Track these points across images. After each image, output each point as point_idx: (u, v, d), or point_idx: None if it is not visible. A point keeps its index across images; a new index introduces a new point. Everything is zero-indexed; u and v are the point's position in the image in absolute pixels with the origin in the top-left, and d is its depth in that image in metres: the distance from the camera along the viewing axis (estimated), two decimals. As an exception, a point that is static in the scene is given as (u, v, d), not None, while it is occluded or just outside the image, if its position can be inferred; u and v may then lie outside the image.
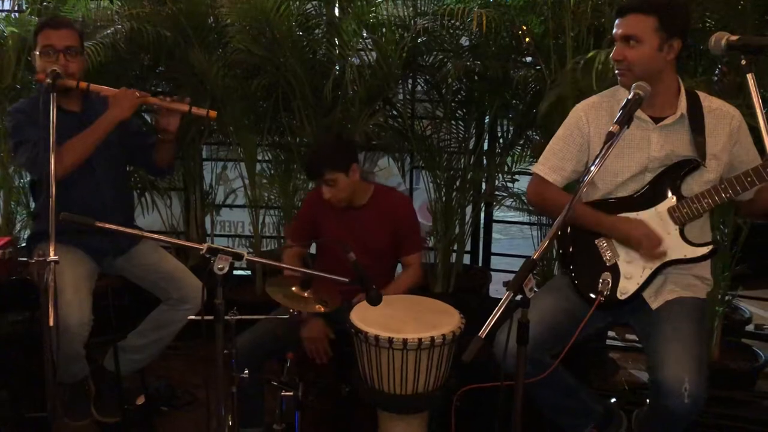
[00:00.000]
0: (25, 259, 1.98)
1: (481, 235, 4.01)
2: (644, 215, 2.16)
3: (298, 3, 3.35)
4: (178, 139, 2.74)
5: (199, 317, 1.86)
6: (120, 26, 3.24)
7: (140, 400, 2.80)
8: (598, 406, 2.37)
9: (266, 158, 3.76)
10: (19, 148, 2.44)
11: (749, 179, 2.00)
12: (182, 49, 3.43)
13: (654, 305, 2.17)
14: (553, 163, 2.26)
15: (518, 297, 1.57)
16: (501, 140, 3.62)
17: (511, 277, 1.59)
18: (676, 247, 2.13)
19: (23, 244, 3.10)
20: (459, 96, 3.50)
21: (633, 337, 3.32)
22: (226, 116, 3.49)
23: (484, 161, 3.65)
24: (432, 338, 2.08)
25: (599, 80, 2.42)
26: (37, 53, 2.46)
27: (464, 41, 3.40)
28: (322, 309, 2.09)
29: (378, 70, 3.22)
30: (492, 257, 4.05)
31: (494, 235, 4.08)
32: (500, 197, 3.60)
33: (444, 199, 3.55)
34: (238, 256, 1.79)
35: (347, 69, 3.15)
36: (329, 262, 2.58)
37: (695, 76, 2.75)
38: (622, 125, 1.75)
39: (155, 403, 2.88)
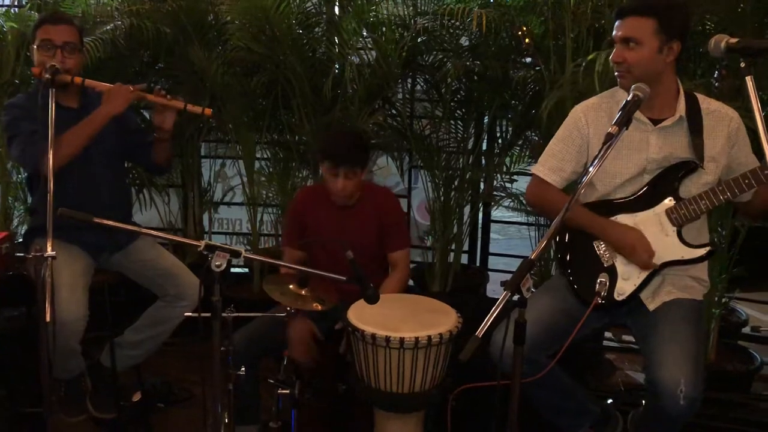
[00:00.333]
0: (22, 254, 1.97)
1: (479, 235, 4.01)
2: (642, 216, 2.16)
3: (298, 1, 3.35)
4: (174, 137, 2.74)
5: (196, 314, 1.86)
6: (120, 22, 3.24)
7: (136, 397, 2.79)
8: (595, 407, 2.37)
9: (265, 156, 3.75)
10: (13, 142, 2.44)
11: (747, 181, 2.01)
12: (182, 46, 3.43)
13: (651, 306, 2.17)
14: (552, 164, 2.26)
15: (516, 297, 1.57)
16: (500, 140, 3.62)
17: (508, 277, 1.60)
18: (673, 249, 2.13)
19: (20, 240, 3.10)
20: (458, 96, 3.50)
21: (629, 338, 3.32)
22: (226, 114, 3.49)
23: (483, 161, 3.65)
24: (429, 337, 2.08)
25: (599, 82, 2.42)
26: (35, 47, 2.46)
27: (464, 41, 3.40)
28: (320, 307, 2.09)
29: (377, 69, 3.22)
30: (490, 257, 4.05)
31: (492, 235, 4.08)
32: (498, 197, 3.60)
33: (442, 198, 3.55)
34: (235, 254, 1.79)
35: (347, 67, 3.15)
36: (323, 260, 2.58)
37: (694, 78, 2.75)
38: (621, 126, 1.75)
39: (151, 400, 2.88)
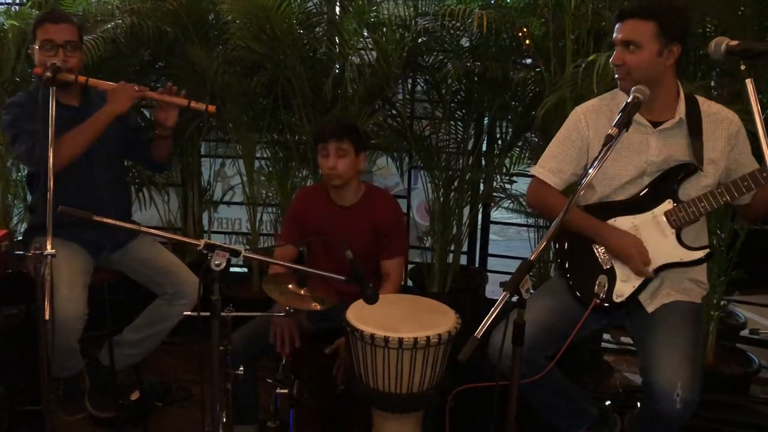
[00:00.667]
0: (22, 252, 1.98)
1: (479, 235, 4.01)
2: (641, 218, 2.16)
3: (299, 1, 3.35)
4: (175, 135, 2.74)
5: (195, 313, 1.86)
6: (120, 21, 3.23)
7: (135, 395, 2.80)
8: (593, 408, 2.38)
9: (265, 155, 3.75)
10: (17, 141, 2.43)
11: (746, 183, 2.01)
12: (182, 45, 3.43)
13: (650, 309, 2.18)
14: (552, 166, 2.27)
15: (515, 298, 1.57)
16: (499, 141, 3.62)
17: (507, 278, 1.60)
18: (672, 251, 2.13)
19: (19, 238, 3.10)
20: (458, 97, 3.50)
21: (628, 339, 3.33)
22: (226, 113, 3.49)
23: (483, 162, 3.65)
24: (428, 338, 2.08)
25: (599, 84, 2.43)
26: (36, 47, 2.45)
27: (464, 42, 3.40)
28: (318, 307, 2.09)
29: (378, 69, 3.22)
30: (489, 258, 4.05)
31: (491, 237, 4.08)
32: (498, 198, 3.61)
33: (442, 199, 3.55)
34: (235, 253, 1.79)
35: (347, 68, 3.15)
36: (321, 260, 2.58)
37: (694, 80, 2.75)
38: (621, 128, 1.75)
39: (150, 399, 2.88)
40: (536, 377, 1.99)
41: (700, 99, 2.16)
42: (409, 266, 3.89)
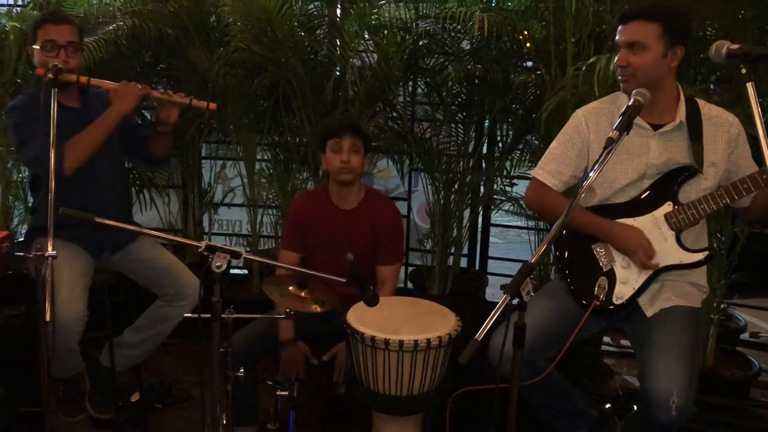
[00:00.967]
0: (23, 253, 1.97)
1: (479, 238, 4.01)
2: (641, 221, 2.16)
3: (300, 3, 3.36)
4: (176, 136, 2.75)
5: (195, 315, 1.86)
6: (122, 23, 3.24)
7: (135, 397, 2.79)
8: (593, 411, 2.38)
9: (265, 157, 3.76)
10: (25, 146, 2.42)
11: (745, 186, 2.02)
12: (183, 47, 3.43)
13: (649, 312, 2.18)
14: (552, 168, 2.27)
15: (515, 300, 1.57)
16: (500, 144, 3.63)
17: (507, 280, 1.60)
18: (672, 253, 2.13)
19: (20, 239, 3.10)
20: (459, 99, 3.51)
21: (627, 342, 3.32)
22: (226, 115, 3.50)
23: (483, 165, 3.65)
24: (428, 340, 2.08)
25: (600, 86, 2.43)
26: (37, 48, 2.45)
27: (465, 45, 3.40)
28: (319, 309, 2.09)
29: (379, 71, 3.23)
30: (489, 261, 4.05)
31: (491, 239, 4.09)
32: (498, 201, 3.61)
33: (442, 201, 3.56)
34: (236, 254, 1.79)
35: (348, 70, 3.16)
36: (324, 263, 2.58)
37: (694, 84, 2.76)
38: (622, 131, 1.75)
39: (150, 400, 2.88)
40: (536, 380, 1.99)
41: (701, 102, 2.16)
42: (410, 269, 3.90)
